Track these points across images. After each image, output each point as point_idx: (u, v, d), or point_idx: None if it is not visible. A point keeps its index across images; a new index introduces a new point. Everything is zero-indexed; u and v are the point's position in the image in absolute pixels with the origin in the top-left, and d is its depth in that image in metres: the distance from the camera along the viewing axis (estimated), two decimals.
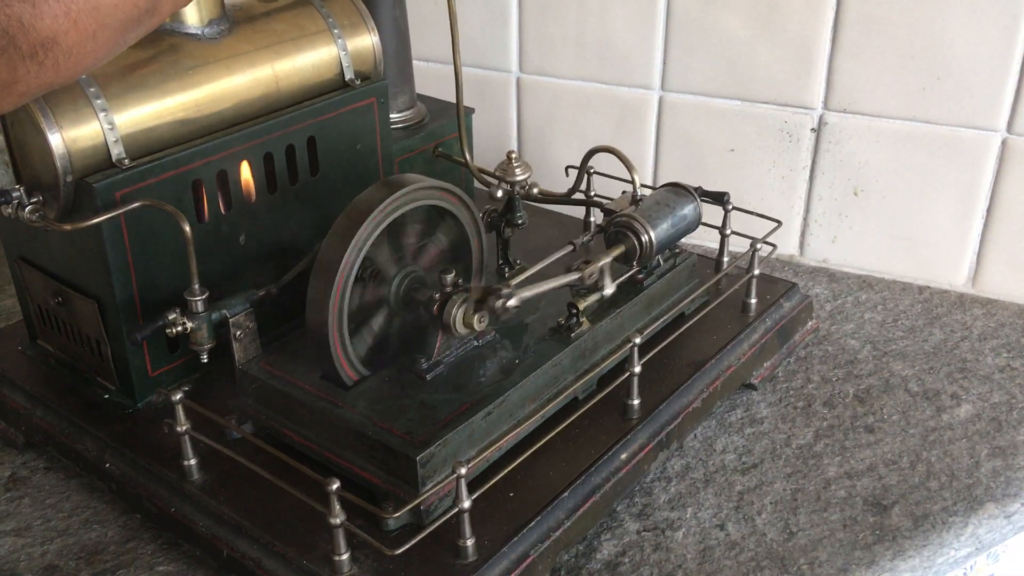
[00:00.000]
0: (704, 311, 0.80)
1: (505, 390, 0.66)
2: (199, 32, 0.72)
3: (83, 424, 0.72)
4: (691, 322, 0.79)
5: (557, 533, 0.64)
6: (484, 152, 1.04)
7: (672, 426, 0.73)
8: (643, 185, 0.81)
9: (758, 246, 0.82)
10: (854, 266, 1.01)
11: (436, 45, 1.07)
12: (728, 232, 0.87)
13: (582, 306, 0.71)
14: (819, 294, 0.96)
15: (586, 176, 0.87)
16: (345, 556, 0.59)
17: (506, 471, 0.63)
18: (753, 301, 0.83)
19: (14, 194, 0.66)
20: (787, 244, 1.03)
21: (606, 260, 0.70)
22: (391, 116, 0.87)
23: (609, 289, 0.71)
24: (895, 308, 0.94)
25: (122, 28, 0.52)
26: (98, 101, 0.65)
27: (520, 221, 0.80)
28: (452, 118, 0.91)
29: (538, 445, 0.64)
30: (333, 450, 0.65)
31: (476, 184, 0.88)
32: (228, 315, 0.68)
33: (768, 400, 0.81)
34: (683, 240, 0.79)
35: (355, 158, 0.80)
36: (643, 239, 0.73)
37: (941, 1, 0.87)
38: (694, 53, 0.99)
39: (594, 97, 1.05)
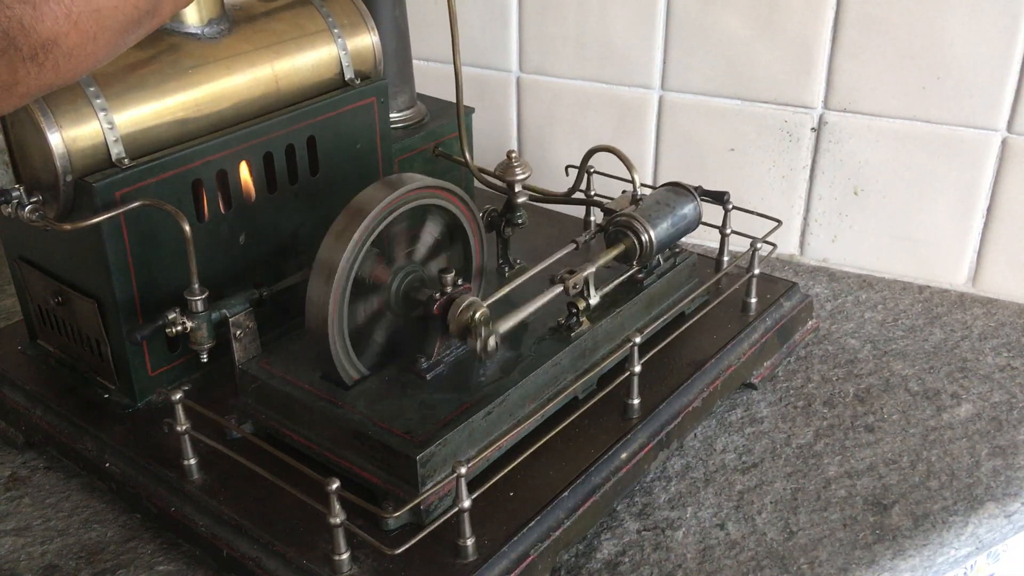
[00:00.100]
0: (704, 310, 0.80)
1: (505, 389, 0.66)
2: (199, 32, 0.72)
3: (83, 424, 0.72)
4: (691, 321, 0.79)
5: (557, 533, 0.64)
6: (484, 152, 1.04)
7: (672, 425, 0.73)
8: (643, 184, 0.81)
9: (758, 245, 0.82)
10: (854, 265, 1.01)
11: (436, 45, 1.07)
12: (728, 231, 0.87)
13: (582, 306, 0.71)
14: (819, 293, 0.96)
15: (586, 175, 0.87)
16: (345, 556, 0.59)
17: (506, 471, 0.63)
18: (753, 300, 0.83)
19: (14, 194, 0.66)
20: (787, 243, 1.02)
21: (590, 270, 0.70)
22: (391, 116, 0.87)
23: (594, 299, 0.71)
24: (895, 307, 0.94)
25: (122, 30, 0.52)
26: (98, 101, 0.65)
27: (520, 221, 0.80)
28: (452, 118, 0.91)
29: (538, 444, 0.64)
30: (333, 450, 0.65)
31: (476, 183, 0.88)
32: (228, 315, 0.68)
33: (768, 399, 0.81)
34: (683, 239, 0.79)
35: (355, 158, 0.80)
36: (643, 238, 0.73)
37: (941, 1, 0.87)
38: (694, 53, 0.99)
39: (594, 97, 1.05)
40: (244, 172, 0.74)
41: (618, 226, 0.73)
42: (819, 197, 1.00)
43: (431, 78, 1.06)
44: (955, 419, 0.79)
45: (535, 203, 0.84)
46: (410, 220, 0.68)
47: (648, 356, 0.72)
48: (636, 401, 0.71)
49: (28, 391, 0.76)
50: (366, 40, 0.80)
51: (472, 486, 0.60)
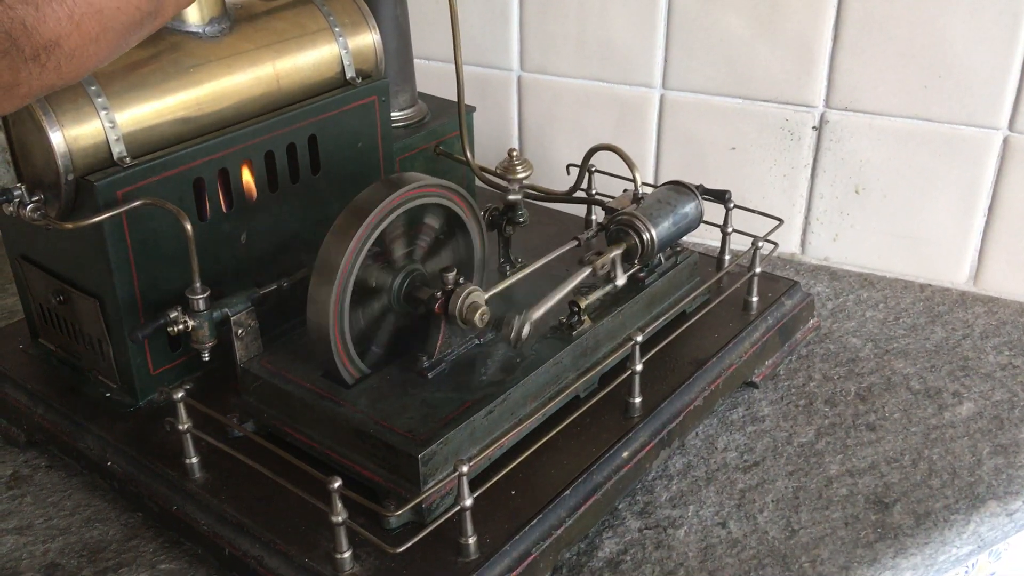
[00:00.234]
0: (705, 309, 0.80)
1: (506, 388, 0.66)
2: (200, 31, 0.72)
3: (85, 423, 0.72)
4: (692, 320, 0.79)
5: (559, 531, 0.64)
6: (485, 150, 1.04)
7: (674, 424, 0.73)
8: (644, 183, 0.81)
9: (759, 244, 0.82)
10: (855, 264, 1.01)
11: (437, 43, 1.07)
12: (729, 230, 0.87)
13: (584, 304, 0.71)
14: (820, 292, 0.96)
15: (587, 174, 0.87)
16: (347, 554, 0.59)
17: (508, 469, 0.63)
18: (754, 299, 0.83)
19: (15, 192, 0.66)
20: (788, 242, 1.02)
21: (617, 252, 0.70)
22: (392, 114, 0.87)
23: (621, 280, 0.71)
24: (896, 306, 0.94)
25: (125, 31, 0.52)
26: (99, 99, 0.65)
27: (521, 219, 0.80)
28: (453, 116, 0.91)
29: (540, 443, 0.64)
30: (335, 448, 0.65)
31: (478, 183, 0.88)
32: (229, 313, 0.68)
33: (770, 398, 0.81)
34: (684, 238, 0.79)
35: (356, 157, 0.80)
36: (644, 237, 0.73)
37: None
38: (695, 51, 0.99)
39: (595, 95, 1.05)
40: (245, 171, 0.74)
41: (619, 225, 0.73)
42: (820, 196, 1.00)
43: (432, 77, 1.06)
44: (956, 418, 0.79)
45: (536, 202, 0.84)
46: (411, 219, 0.68)
47: (649, 355, 0.72)
48: (637, 400, 0.71)
49: (30, 390, 0.76)
50: (367, 39, 0.80)
51: (474, 484, 0.60)
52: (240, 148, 0.72)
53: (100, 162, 0.66)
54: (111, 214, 0.65)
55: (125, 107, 0.66)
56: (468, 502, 0.58)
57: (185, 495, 0.66)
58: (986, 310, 0.93)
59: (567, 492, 0.65)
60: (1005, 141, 0.90)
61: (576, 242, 0.75)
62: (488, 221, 0.78)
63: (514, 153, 0.79)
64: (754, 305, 0.83)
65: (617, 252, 0.70)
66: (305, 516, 0.62)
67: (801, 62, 0.95)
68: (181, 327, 0.66)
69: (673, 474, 0.73)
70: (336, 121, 0.78)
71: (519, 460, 0.63)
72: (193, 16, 0.71)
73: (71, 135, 0.64)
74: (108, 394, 0.74)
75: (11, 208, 0.66)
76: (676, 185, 0.78)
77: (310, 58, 0.77)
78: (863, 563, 0.66)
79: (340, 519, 0.57)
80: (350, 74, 0.79)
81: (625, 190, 0.81)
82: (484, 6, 1.06)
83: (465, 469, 0.58)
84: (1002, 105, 0.89)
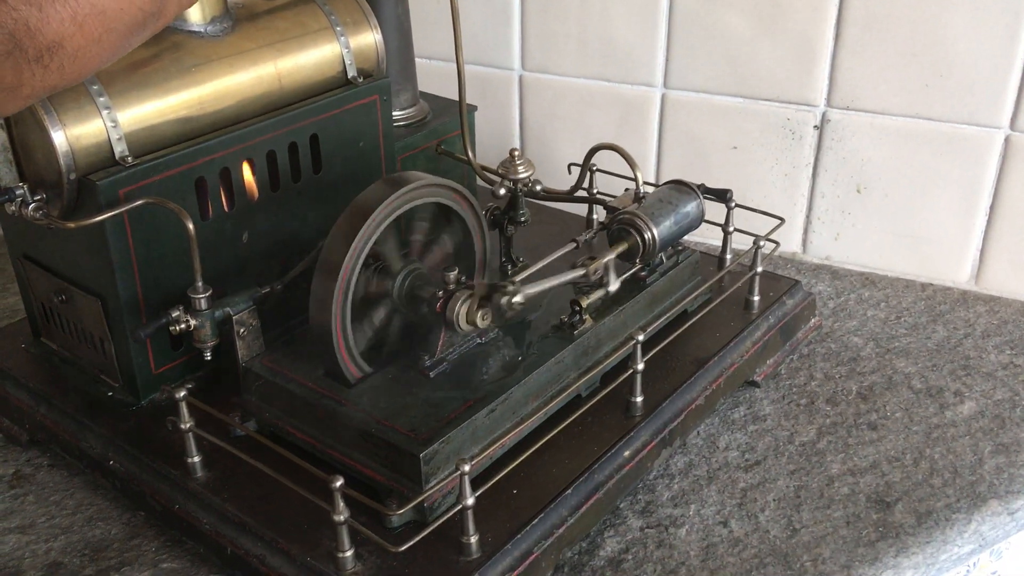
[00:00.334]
0: (707, 308, 0.80)
1: (508, 387, 0.66)
2: (202, 30, 0.72)
3: (87, 421, 0.72)
4: (694, 319, 0.79)
5: (560, 530, 0.64)
6: (487, 150, 1.04)
7: (675, 423, 0.73)
8: (646, 182, 0.80)
9: (761, 243, 0.82)
10: (857, 263, 1.01)
11: (438, 42, 1.07)
12: (731, 229, 0.87)
13: (585, 303, 0.71)
14: (822, 291, 0.96)
15: (589, 173, 0.87)
16: (349, 553, 0.59)
17: (509, 468, 0.63)
18: (756, 298, 0.83)
19: (18, 192, 0.66)
20: (790, 241, 1.03)
21: (610, 256, 0.70)
22: (393, 114, 0.87)
23: (613, 285, 0.71)
24: (898, 305, 0.94)
25: (127, 32, 0.52)
26: (101, 99, 0.65)
27: (523, 218, 0.80)
28: (455, 115, 0.91)
29: (541, 442, 0.64)
30: (336, 447, 0.65)
31: (479, 181, 0.88)
32: (231, 312, 0.68)
33: (771, 397, 0.81)
34: (686, 237, 0.79)
35: (358, 156, 0.80)
36: (646, 236, 0.73)
37: None
38: (697, 50, 0.99)
39: (597, 94, 1.05)
40: (247, 170, 0.74)
41: (621, 224, 0.73)
42: (822, 195, 1.00)
43: (433, 76, 1.06)
44: (958, 417, 0.79)
45: (538, 201, 0.84)
46: (413, 218, 0.68)
47: (651, 354, 0.72)
48: (639, 399, 0.71)
49: (32, 389, 0.76)
50: (369, 38, 0.80)
51: (475, 483, 0.60)
52: (242, 147, 0.72)
53: (102, 161, 0.66)
54: (113, 213, 0.65)
55: (127, 106, 0.66)
56: (470, 501, 0.58)
57: (187, 494, 0.66)
58: (987, 309, 0.93)
59: (569, 491, 0.65)
60: (1007, 140, 0.90)
61: (575, 244, 0.75)
62: (490, 220, 0.78)
63: (515, 152, 0.79)
64: (755, 304, 0.83)
65: (610, 257, 0.70)
66: (307, 515, 0.62)
67: (803, 61, 0.95)
68: (183, 326, 0.67)
69: (675, 473, 0.73)
70: (338, 120, 0.78)
71: (521, 459, 0.63)
72: (195, 15, 0.71)
73: (73, 134, 0.64)
74: (110, 393, 0.74)
75: (13, 207, 0.66)
76: (677, 184, 0.78)
77: (312, 57, 0.77)
78: (864, 562, 0.66)
79: (342, 518, 0.57)
80: (352, 73, 0.79)
81: (627, 189, 0.81)
82: (485, 5, 1.06)
83: (467, 468, 0.58)
84: (1003, 104, 0.89)
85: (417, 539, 0.57)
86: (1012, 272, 0.95)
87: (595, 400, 0.69)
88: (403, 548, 0.57)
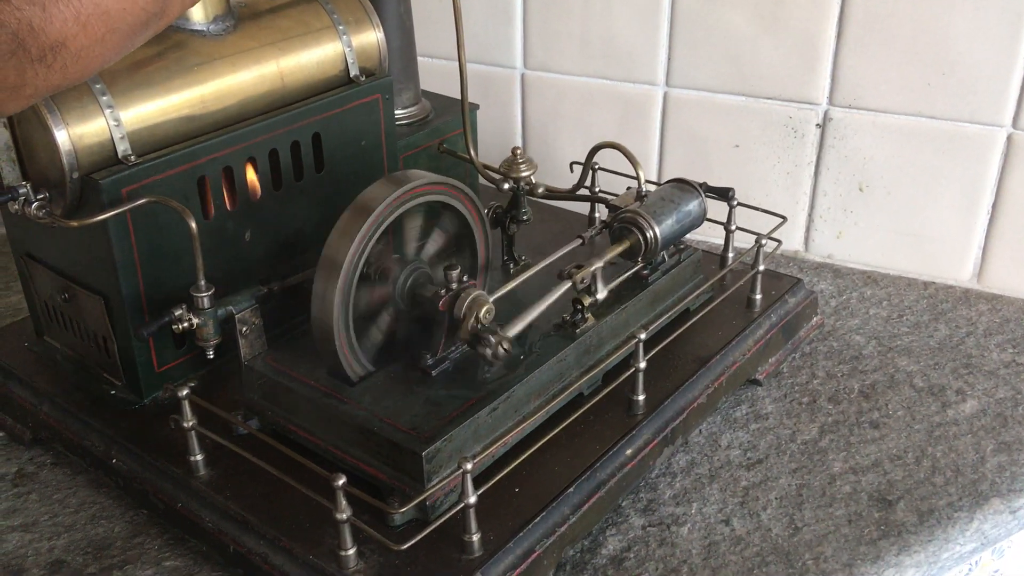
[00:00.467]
0: (709, 307, 0.80)
1: (510, 386, 0.66)
2: (204, 29, 0.72)
3: (90, 420, 0.72)
4: (696, 318, 0.79)
5: (562, 528, 0.64)
6: (489, 148, 1.04)
7: (677, 422, 0.73)
8: (648, 181, 0.81)
9: (763, 242, 0.82)
10: (859, 262, 1.01)
11: (441, 41, 1.07)
12: (733, 228, 0.87)
13: (587, 302, 0.71)
14: (824, 290, 0.96)
15: (591, 172, 0.87)
16: (351, 551, 0.59)
17: (511, 467, 0.63)
18: (758, 297, 0.83)
19: (20, 191, 0.66)
20: (792, 240, 1.02)
21: (598, 264, 0.70)
22: (396, 112, 0.87)
23: (602, 294, 0.71)
24: (900, 304, 0.94)
25: (130, 31, 0.52)
26: (104, 98, 0.65)
27: (525, 217, 0.80)
28: (457, 114, 0.91)
29: (543, 441, 0.64)
30: (339, 446, 0.65)
31: (481, 180, 0.88)
32: (234, 311, 0.68)
33: (773, 396, 0.82)
34: (688, 236, 0.79)
35: (360, 154, 0.80)
36: (648, 235, 0.73)
37: None
38: (698, 49, 0.99)
39: (598, 93, 1.05)
40: (250, 169, 0.74)
41: (623, 223, 0.74)
42: (824, 193, 1.00)
43: (436, 75, 1.06)
44: (960, 415, 0.79)
45: (540, 199, 0.84)
46: (415, 217, 0.68)
47: (653, 352, 0.72)
48: (641, 397, 0.72)
49: (35, 387, 0.76)
50: (371, 37, 0.80)
51: (477, 482, 0.60)
52: (244, 146, 0.72)
53: (105, 160, 0.66)
54: (116, 212, 0.65)
55: (130, 105, 0.67)
56: (472, 499, 0.59)
57: (190, 492, 0.66)
58: (990, 307, 0.93)
59: (571, 489, 0.65)
60: (1009, 138, 0.90)
61: (580, 241, 0.75)
62: (492, 219, 0.78)
63: (518, 151, 0.79)
64: (757, 303, 0.83)
65: (598, 266, 0.70)
66: (309, 513, 0.62)
67: (805, 59, 0.95)
68: (186, 325, 0.67)
69: (676, 471, 0.73)
70: (340, 119, 0.78)
71: (523, 457, 0.63)
72: (197, 14, 0.71)
73: (76, 133, 0.64)
74: (113, 391, 0.74)
75: (17, 206, 0.66)
76: (679, 183, 0.78)
77: (314, 56, 0.77)
78: (866, 560, 0.66)
79: (344, 516, 0.57)
80: (354, 72, 0.79)
81: (629, 188, 0.81)
82: (488, 4, 1.06)
83: (469, 466, 0.58)
84: (1006, 102, 0.89)
85: (419, 537, 0.57)
86: (1014, 270, 0.95)
87: (597, 398, 0.69)
88: (405, 546, 0.57)
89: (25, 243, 0.76)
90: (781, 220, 0.86)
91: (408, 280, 0.67)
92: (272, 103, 0.75)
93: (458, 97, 0.86)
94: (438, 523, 0.59)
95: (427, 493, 0.60)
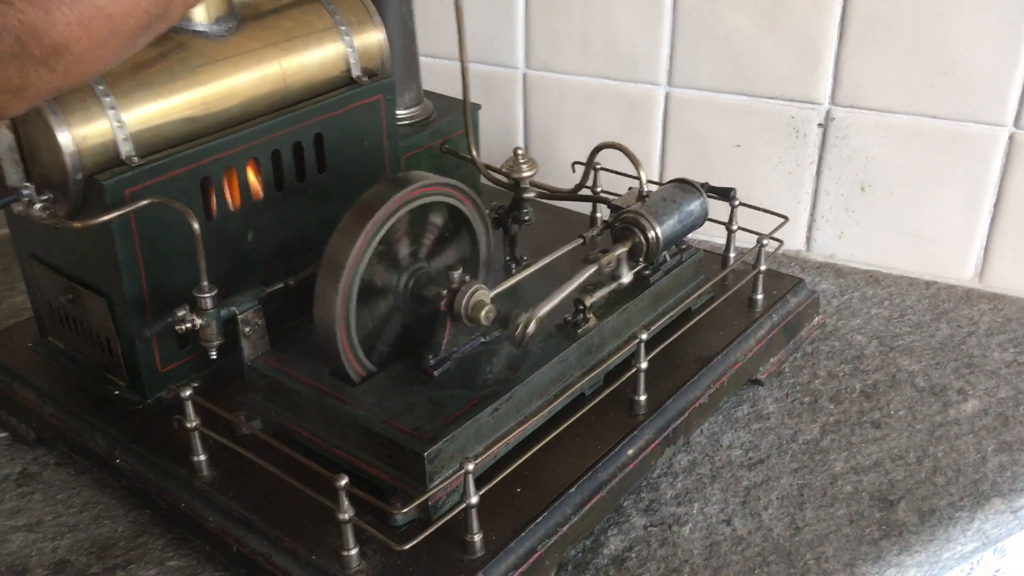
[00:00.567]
0: (710, 307, 0.81)
1: (512, 386, 0.66)
2: (207, 30, 0.72)
3: (93, 420, 0.73)
4: (698, 318, 0.79)
5: (564, 528, 0.64)
6: (491, 148, 1.04)
7: (679, 422, 0.73)
8: (650, 181, 0.81)
9: (765, 242, 0.82)
10: (861, 261, 1.01)
11: (443, 41, 1.07)
12: (734, 228, 0.87)
13: (589, 302, 0.71)
14: (826, 289, 0.96)
15: (592, 172, 0.87)
16: (354, 551, 0.59)
17: (513, 467, 0.63)
18: (759, 297, 0.83)
19: (24, 192, 0.66)
20: (794, 240, 1.03)
21: (623, 249, 0.71)
22: (398, 113, 0.87)
23: (627, 277, 0.71)
24: (902, 303, 0.94)
25: (133, 34, 0.52)
26: (107, 99, 0.65)
27: (526, 217, 0.80)
28: (459, 114, 0.91)
29: (545, 441, 0.65)
30: (341, 446, 0.65)
31: (483, 180, 0.88)
32: (237, 312, 0.68)
33: (774, 395, 0.82)
34: (689, 236, 0.79)
35: (362, 155, 0.80)
36: (650, 235, 0.73)
37: None
38: (700, 49, 0.99)
39: (600, 93, 1.05)
40: (252, 170, 0.74)
41: (625, 223, 0.74)
42: (826, 193, 1.00)
43: (438, 75, 1.06)
44: (961, 415, 0.79)
45: (542, 200, 0.84)
46: (417, 217, 0.68)
47: (654, 352, 0.72)
48: (643, 397, 0.72)
49: (39, 388, 0.76)
50: (373, 37, 0.80)
51: (479, 482, 0.60)
52: (247, 147, 0.73)
53: (108, 161, 0.66)
54: (119, 213, 0.65)
55: (133, 106, 0.67)
56: (474, 499, 0.59)
57: (193, 492, 0.67)
58: (991, 307, 0.93)
59: (572, 489, 0.65)
60: (1011, 138, 0.90)
61: (581, 240, 0.75)
62: (494, 219, 0.78)
63: (520, 151, 0.79)
64: (759, 302, 0.83)
65: (623, 250, 0.71)
66: (312, 513, 0.63)
67: (806, 59, 0.95)
68: (189, 325, 0.67)
69: (678, 471, 0.74)
70: (342, 120, 0.78)
71: (525, 457, 0.63)
72: (200, 15, 0.71)
73: (79, 134, 0.64)
74: (116, 392, 0.74)
75: (20, 207, 0.66)
76: (681, 183, 0.78)
77: (316, 57, 0.77)
78: (868, 560, 0.66)
79: (347, 516, 0.57)
80: (356, 73, 0.79)
81: (630, 188, 0.81)
82: (489, 4, 1.06)
83: (471, 467, 0.58)
84: (1007, 102, 0.89)
85: (421, 537, 0.57)
86: (1016, 270, 0.95)
87: (599, 399, 0.69)
88: (407, 546, 0.57)
89: (29, 244, 0.76)
90: (783, 220, 0.86)
91: (410, 280, 0.68)
92: (274, 104, 0.75)
93: (460, 97, 0.86)
94: (440, 523, 0.59)
95: (429, 493, 0.60)
